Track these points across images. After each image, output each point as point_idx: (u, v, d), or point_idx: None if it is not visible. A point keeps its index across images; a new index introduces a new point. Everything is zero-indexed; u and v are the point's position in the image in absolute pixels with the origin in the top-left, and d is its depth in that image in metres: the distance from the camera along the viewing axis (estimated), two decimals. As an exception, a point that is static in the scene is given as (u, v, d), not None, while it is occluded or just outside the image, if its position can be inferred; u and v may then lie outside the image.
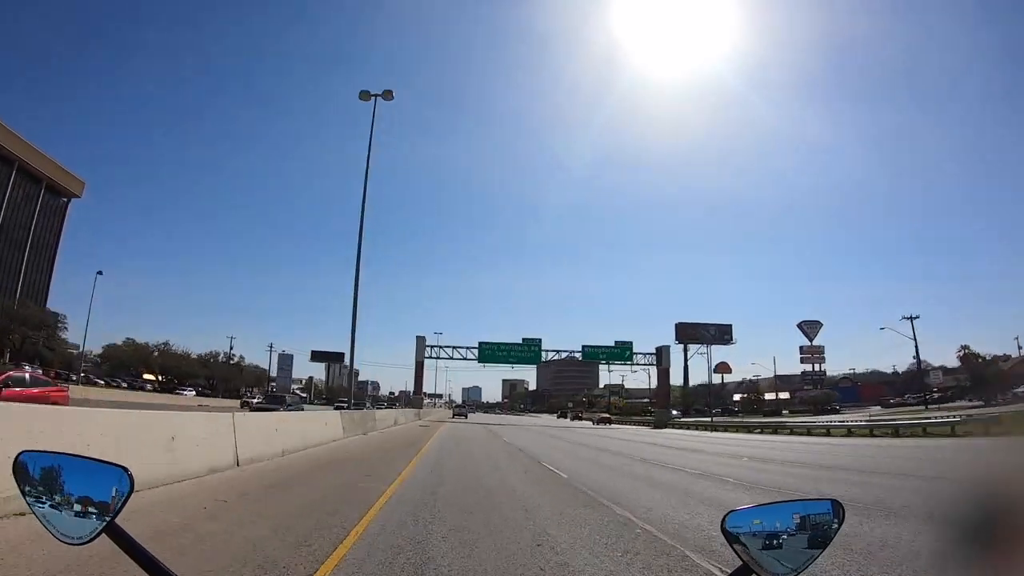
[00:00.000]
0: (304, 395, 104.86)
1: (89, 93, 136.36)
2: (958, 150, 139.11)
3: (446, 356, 67.18)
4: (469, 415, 76.38)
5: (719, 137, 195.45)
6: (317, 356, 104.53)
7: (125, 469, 1.08)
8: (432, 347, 66.44)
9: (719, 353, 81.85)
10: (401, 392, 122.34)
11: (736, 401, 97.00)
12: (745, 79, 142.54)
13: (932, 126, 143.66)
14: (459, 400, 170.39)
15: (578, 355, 68.26)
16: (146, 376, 75.41)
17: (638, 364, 70.06)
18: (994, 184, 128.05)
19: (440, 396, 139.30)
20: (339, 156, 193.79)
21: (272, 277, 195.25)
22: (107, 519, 1.05)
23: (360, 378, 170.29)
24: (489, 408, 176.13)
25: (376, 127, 26.85)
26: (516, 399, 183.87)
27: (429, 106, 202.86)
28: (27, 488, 1.10)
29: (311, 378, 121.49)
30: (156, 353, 78.47)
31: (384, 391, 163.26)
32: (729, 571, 1.18)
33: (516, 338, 65.83)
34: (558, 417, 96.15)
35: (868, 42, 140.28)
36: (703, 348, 78.33)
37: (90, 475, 1.09)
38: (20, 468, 1.12)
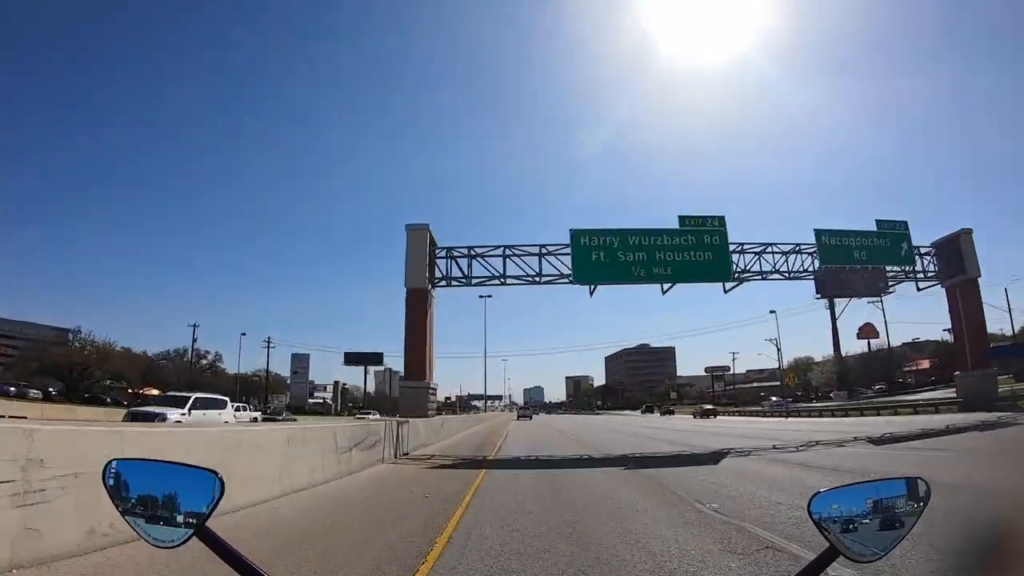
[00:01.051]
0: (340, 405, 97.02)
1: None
2: None
3: (486, 276, 25.53)
4: (533, 416, 76.79)
5: (747, 122, 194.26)
6: (351, 359, 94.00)
7: (215, 473, 1.16)
8: (452, 254, 25.75)
9: (866, 312, 71.97)
10: (458, 397, 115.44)
11: (909, 372, 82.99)
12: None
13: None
14: (520, 401, 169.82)
15: (807, 253, 26.60)
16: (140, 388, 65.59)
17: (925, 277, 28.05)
18: None
19: (499, 397, 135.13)
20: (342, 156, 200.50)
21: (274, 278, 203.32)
22: (198, 523, 1.13)
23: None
24: (552, 408, 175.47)
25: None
26: (583, 396, 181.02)
27: (455, 107, 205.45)
28: (117, 495, 1.19)
29: (337, 383, 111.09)
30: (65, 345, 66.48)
31: (441, 395, 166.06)
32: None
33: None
34: (643, 413, 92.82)
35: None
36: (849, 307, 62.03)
37: (180, 480, 1.18)
38: (110, 475, 1.21)
